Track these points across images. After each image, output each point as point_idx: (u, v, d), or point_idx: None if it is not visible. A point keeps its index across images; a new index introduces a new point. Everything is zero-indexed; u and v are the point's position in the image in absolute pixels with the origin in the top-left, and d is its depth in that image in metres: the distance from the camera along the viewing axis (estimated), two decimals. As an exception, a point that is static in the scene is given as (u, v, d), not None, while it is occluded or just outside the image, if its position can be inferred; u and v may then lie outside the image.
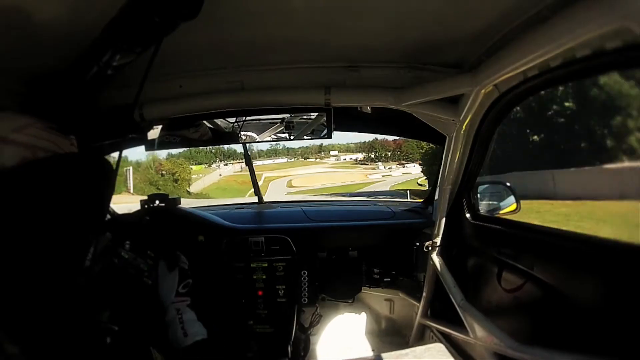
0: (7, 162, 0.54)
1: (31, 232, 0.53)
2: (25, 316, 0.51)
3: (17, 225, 0.52)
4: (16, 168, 0.54)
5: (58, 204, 0.56)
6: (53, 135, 0.62)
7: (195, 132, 1.43)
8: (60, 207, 0.56)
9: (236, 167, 37.17)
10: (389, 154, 41.07)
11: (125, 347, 0.61)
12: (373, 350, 1.61)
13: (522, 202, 1.50)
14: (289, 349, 1.69)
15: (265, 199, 2.10)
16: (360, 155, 43.45)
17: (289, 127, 1.43)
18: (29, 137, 0.58)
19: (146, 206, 1.66)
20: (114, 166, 0.69)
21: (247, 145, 1.97)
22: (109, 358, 0.57)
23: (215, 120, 1.42)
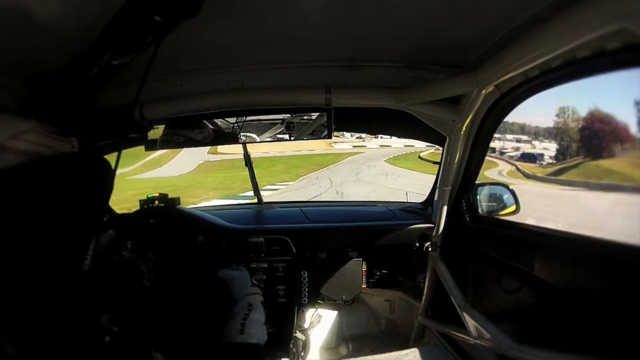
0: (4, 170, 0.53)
1: (30, 232, 0.53)
2: (24, 316, 0.51)
3: (16, 225, 0.52)
4: (15, 168, 0.54)
5: (57, 203, 0.56)
6: (53, 140, 0.61)
7: (196, 132, 1.43)
8: (59, 207, 0.56)
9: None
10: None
11: (124, 348, 0.60)
12: (373, 350, 1.61)
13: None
14: (289, 349, 1.69)
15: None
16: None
17: (289, 127, 1.43)
18: (28, 143, 0.56)
19: (145, 206, 1.65)
20: (114, 166, 0.68)
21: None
22: (107, 358, 0.57)
23: (216, 120, 1.42)
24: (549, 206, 5.61)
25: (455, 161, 1.42)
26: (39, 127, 0.59)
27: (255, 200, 2.13)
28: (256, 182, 2.11)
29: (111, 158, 0.70)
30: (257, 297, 0.95)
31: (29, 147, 0.56)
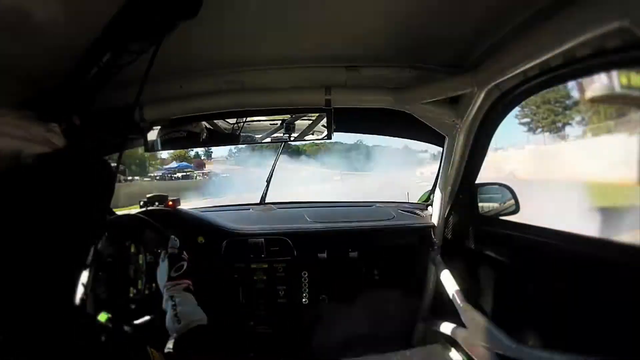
0: None
1: (30, 232, 0.52)
2: (21, 315, 0.51)
3: (16, 226, 0.52)
4: (15, 168, 0.54)
5: (57, 204, 0.56)
6: (28, 123, 0.62)
7: (195, 133, 1.43)
8: (59, 208, 0.56)
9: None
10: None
11: (121, 345, 0.61)
12: (373, 350, 1.60)
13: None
14: (289, 349, 1.68)
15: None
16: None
17: (289, 128, 1.43)
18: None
19: (145, 207, 1.65)
20: (114, 167, 0.68)
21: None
22: (103, 356, 0.57)
23: (215, 121, 1.42)
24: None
25: (455, 161, 1.42)
26: (13, 112, 0.62)
27: (255, 201, 2.13)
28: (269, 182, 2.12)
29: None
30: (177, 287, 0.98)
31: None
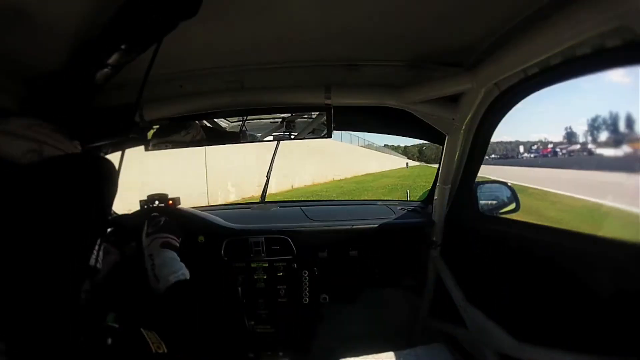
0: (15, 151, 0.57)
1: (32, 232, 0.53)
2: (24, 317, 0.51)
3: (17, 225, 0.52)
4: (18, 167, 0.54)
5: (59, 204, 0.56)
6: (59, 136, 0.65)
7: (195, 133, 1.43)
8: (61, 208, 0.56)
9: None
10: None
11: (125, 345, 0.61)
12: (374, 350, 1.61)
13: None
14: (290, 349, 1.69)
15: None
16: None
17: (289, 126, 1.43)
18: (39, 134, 0.61)
19: (145, 207, 1.65)
20: (117, 167, 0.68)
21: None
22: (107, 357, 0.57)
23: (215, 120, 1.42)
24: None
25: (455, 159, 1.42)
26: (47, 124, 0.64)
27: (256, 200, 2.13)
28: (268, 181, 2.12)
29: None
30: (154, 243, 0.93)
31: (39, 137, 0.60)
